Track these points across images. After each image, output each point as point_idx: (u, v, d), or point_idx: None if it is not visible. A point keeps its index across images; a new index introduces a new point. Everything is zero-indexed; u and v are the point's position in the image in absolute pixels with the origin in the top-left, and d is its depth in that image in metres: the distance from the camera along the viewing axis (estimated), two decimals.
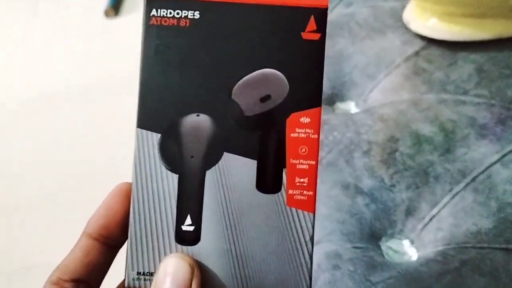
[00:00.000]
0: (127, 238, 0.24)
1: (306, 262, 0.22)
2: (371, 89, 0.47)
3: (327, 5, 0.23)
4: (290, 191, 0.22)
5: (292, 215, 0.22)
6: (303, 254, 0.22)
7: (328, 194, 0.39)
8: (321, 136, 0.42)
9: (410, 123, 0.41)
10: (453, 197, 0.36)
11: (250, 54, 0.22)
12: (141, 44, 0.23)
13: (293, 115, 0.22)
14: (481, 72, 0.44)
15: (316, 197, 0.22)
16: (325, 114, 0.45)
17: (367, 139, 0.41)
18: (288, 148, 0.22)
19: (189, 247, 0.22)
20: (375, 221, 0.37)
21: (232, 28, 0.22)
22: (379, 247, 0.36)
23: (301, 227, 0.22)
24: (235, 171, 0.22)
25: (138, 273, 0.22)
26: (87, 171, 1.08)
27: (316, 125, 0.22)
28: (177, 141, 0.22)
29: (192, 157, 0.22)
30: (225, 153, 0.22)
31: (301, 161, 0.22)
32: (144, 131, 0.22)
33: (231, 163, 0.22)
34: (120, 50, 1.27)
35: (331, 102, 0.48)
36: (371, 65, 0.48)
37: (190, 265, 0.21)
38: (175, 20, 0.23)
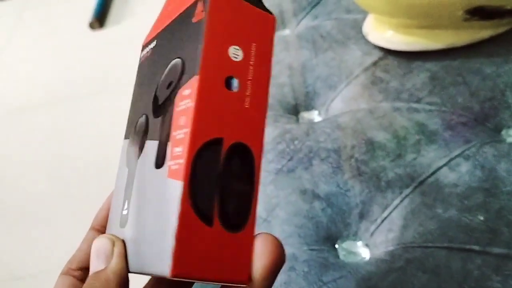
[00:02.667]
0: None
1: (171, 233, 0.20)
2: (333, 99, 0.49)
3: None
4: (170, 163, 0.21)
5: (168, 186, 0.21)
6: (169, 225, 0.20)
7: (287, 200, 0.41)
8: (283, 145, 0.45)
9: (365, 130, 0.44)
10: (402, 200, 0.39)
11: (174, 56, 0.24)
12: None
13: (179, 91, 0.22)
14: (434, 80, 0.47)
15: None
16: (289, 124, 0.48)
17: (325, 147, 0.44)
18: (172, 123, 0.22)
19: (123, 229, 0.24)
20: (331, 224, 0.39)
21: (164, 45, 0.26)
22: (334, 249, 0.39)
23: (171, 198, 0.20)
24: (149, 155, 0.24)
25: None
26: (65, 177, 1.09)
27: (194, 94, 0.21)
28: (132, 140, 0.26)
29: (136, 151, 0.26)
30: (146, 140, 0.24)
31: (179, 131, 0.21)
32: (126, 140, 0.27)
33: (148, 149, 0.24)
34: (104, 61, 1.29)
35: (295, 111, 0.50)
36: (333, 75, 0.51)
37: (110, 239, 0.24)
38: (147, 54, 0.28)
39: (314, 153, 0.43)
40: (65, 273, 0.26)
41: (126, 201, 0.25)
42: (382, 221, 0.39)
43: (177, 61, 0.23)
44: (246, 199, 0.21)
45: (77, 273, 0.26)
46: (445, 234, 0.36)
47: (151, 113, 0.25)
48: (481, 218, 0.36)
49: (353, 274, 0.36)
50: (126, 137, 0.28)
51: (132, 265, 0.23)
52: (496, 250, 0.34)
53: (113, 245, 0.23)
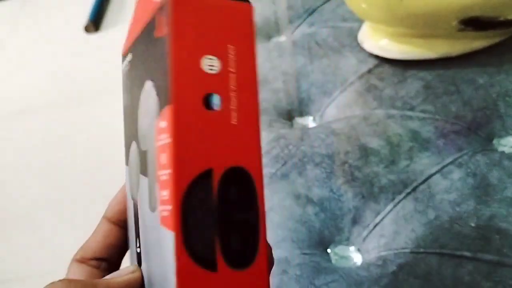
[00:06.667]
0: None
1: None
2: (327, 105, 0.50)
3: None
4: (160, 208, 0.19)
5: (163, 235, 0.19)
6: (170, 279, 0.18)
7: (281, 204, 0.41)
8: (277, 150, 0.45)
9: (359, 136, 0.44)
10: (395, 206, 0.39)
11: (146, 78, 0.21)
12: None
13: (156, 123, 0.19)
14: (428, 88, 0.47)
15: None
16: (283, 129, 0.48)
17: (319, 152, 0.44)
18: (156, 160, 0.19)
19: (141, 267, 0.23)
20: (324, 229, 0.40)
21: (137, 63, 0.23)
22: (326, 253, 0.39)
23: (167, 249, 0.18)
24: (143, 193, 0.21)
25: None
26: (65, 179, 1.09)
27: (170, 127, 0.18)
28: (129, 169, 0.25)
29: (135, 184, 0.24)
30: (140, 174, 0.22)
31: (163, 171, 0.18)
32: (127, 167, 0.25)
33: (142, 185, 0.21)
34: (99, 65, 1.29)
35: (290, 117, 0.51)
36: (328, 82, 0.51)
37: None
38: (126, 68, 0.25)
39: (308, 158, 0.44)
40: (79, 261, 0.26)
41: (137, 238, 0.23)
42: (375, 226, 0.39)
43: (149, 85, 0.20)
44: (252, 227, 0.19)
45: (92, 263, 0.26)
46: (437, 240, 0.36)
47: (138, 142, 0.22)
48: (473, 225, 0.36)
49: (345, 279, 0.36)
50: (126, 164, 0.25)
51: None
52: (487, 256, 0.34)
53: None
